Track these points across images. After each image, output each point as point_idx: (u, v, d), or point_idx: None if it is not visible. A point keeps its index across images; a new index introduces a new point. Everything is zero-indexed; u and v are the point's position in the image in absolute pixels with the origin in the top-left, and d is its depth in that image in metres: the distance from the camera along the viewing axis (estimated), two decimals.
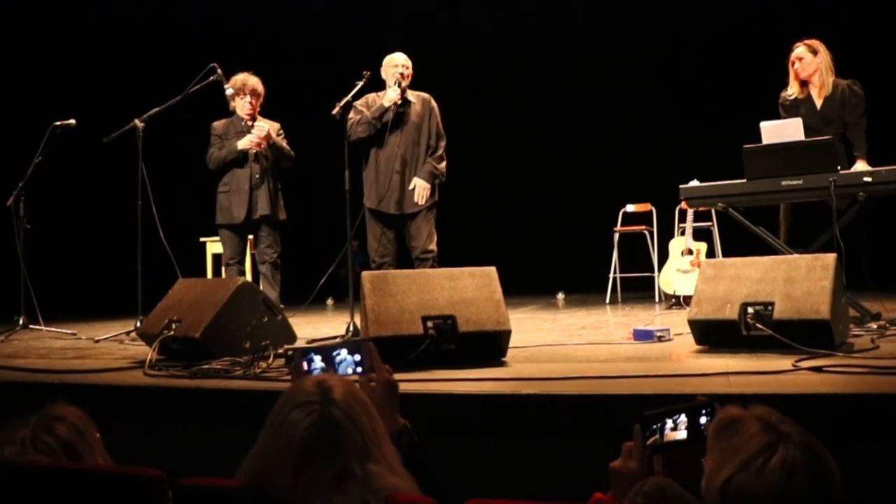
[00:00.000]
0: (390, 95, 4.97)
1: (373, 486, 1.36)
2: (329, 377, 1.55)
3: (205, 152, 5.49)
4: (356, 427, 1.41)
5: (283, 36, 9.51)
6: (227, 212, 5.43)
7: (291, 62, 9.38)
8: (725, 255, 6.59)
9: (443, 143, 5.11)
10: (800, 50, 4.80)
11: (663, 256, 6.88)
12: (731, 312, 3.56)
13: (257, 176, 5.38)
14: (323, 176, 6.23)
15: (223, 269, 5.63)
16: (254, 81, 5.49)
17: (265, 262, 5.49)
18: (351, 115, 5.00)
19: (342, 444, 1.39)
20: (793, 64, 4.82)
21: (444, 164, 5.10)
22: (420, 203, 4.99)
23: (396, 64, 5.04)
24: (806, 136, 4.55)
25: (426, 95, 5.16)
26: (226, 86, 5.37)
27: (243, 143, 5.37)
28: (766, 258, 3.78)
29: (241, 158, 5.38)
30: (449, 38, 8.97)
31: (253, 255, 5.86)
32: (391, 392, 1.81)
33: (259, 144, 5.35)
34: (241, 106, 5.45)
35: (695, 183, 4.85)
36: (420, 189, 4.98)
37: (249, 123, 5.48)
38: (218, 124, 5.56)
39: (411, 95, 5.10)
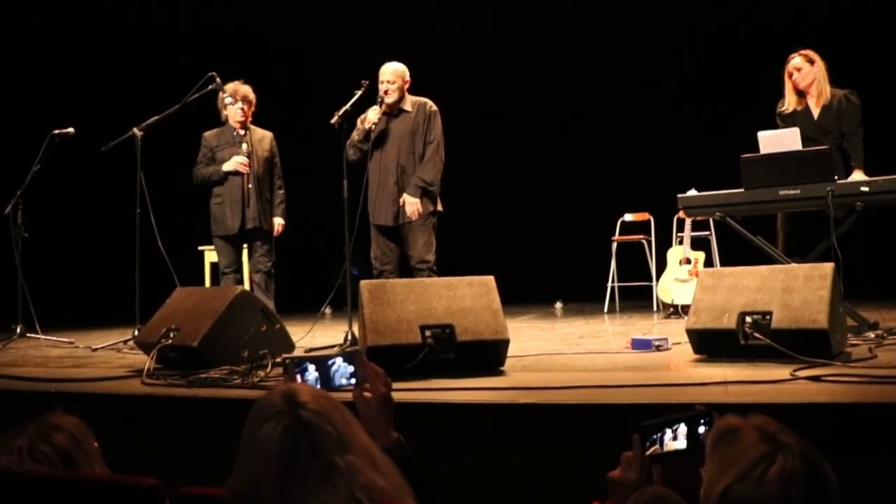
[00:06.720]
0: (370, 117, 4.96)
1: (357, 482, 1.36)
2: (291, 384, 1.56)
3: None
4: (328, 422, 1.41)
5: (283, 44, 9.51)
6: (222, 223, 5.46)
7: (291, 71, 9.39)
8: (723, 264, 6.59)
9: (433, 147, 4.99)
10: (797, 60, 4.81)
11: (661, 266, 6.88)
12: (729, 322, 3.56)
13: (250, 186, 5.40)
14: (322, 185, 6.23)
15: (221, 277, 5.63)
16: (245, 89, 5.51)
17: (259, 272, 5.51)
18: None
19: (319, 441, 1.39)
20: (790, 75, 4.83)
21: (433, 171, 4.99)
22: (412, 219, 4.97)
23: (382, 80, 5.01)
24: (803, 147, 4.56)
25: (424, 101, 5.09)
26: (225, 94, 5.37)
27: (228, 166, 5.41)
28: (763, 267, 3.78)
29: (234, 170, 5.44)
30: (447, 45, 8.98)
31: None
32: (385, 405, 1.80)
33: (245, 165, 5.39)
34: (234, 113, 5.46)
35: (693, 192, 4.86)
36: (408, 206, 4.96)
37: (241, 132, 5.49)
38: (209, 134, 5.57)
39: (408, 103, 5.07)
